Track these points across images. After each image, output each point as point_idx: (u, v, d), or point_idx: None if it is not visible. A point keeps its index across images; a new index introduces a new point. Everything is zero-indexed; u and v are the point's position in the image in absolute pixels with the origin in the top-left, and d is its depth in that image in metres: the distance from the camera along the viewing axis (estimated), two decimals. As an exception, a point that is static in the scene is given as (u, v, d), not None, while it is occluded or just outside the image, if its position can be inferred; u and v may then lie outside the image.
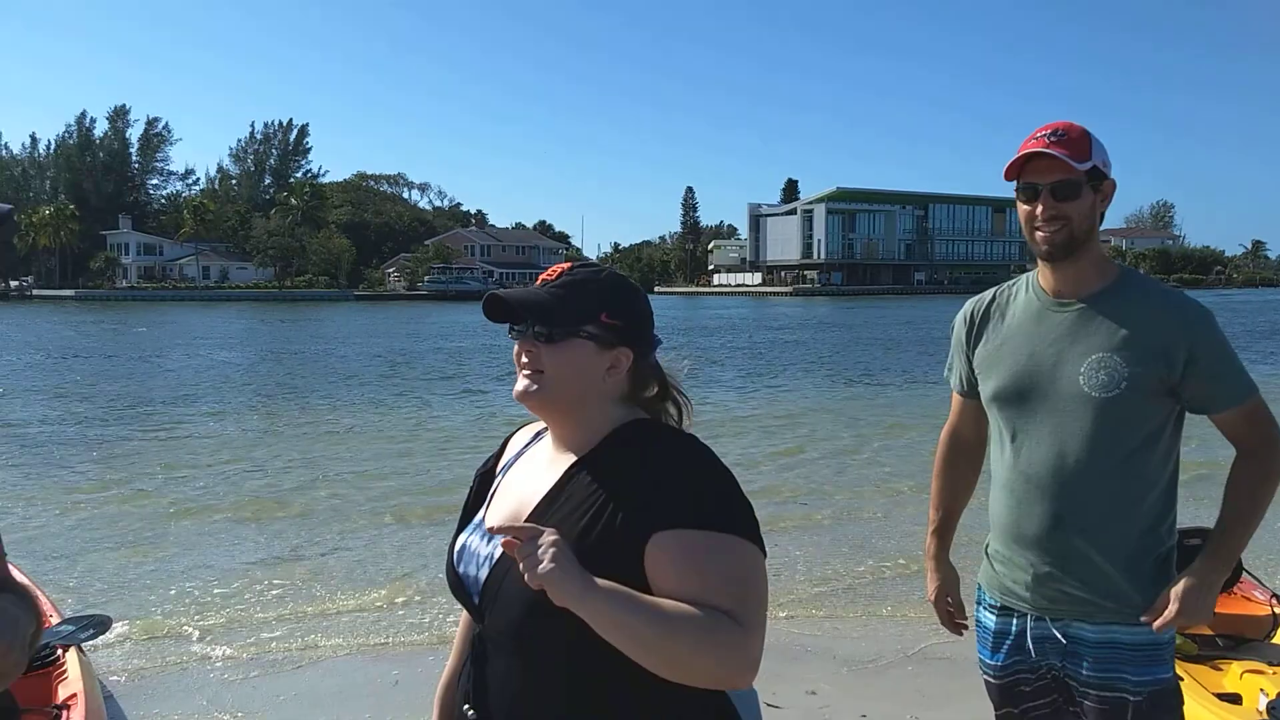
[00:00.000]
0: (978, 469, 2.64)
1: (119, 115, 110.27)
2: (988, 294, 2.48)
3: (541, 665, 1.52)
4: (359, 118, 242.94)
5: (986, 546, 2.44)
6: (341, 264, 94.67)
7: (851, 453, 12.14)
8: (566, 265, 1.66)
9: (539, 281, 1.65)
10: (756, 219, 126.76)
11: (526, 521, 1.54)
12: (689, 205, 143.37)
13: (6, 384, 19.35)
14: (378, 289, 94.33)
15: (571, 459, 1.61)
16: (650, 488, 1.49)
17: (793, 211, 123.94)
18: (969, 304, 2.50)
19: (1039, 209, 2.22)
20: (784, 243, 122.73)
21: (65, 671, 3.81)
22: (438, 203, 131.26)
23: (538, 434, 1.76)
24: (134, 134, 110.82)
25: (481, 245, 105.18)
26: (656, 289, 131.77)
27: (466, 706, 1.61)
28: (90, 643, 4.07)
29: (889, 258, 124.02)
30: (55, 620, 4.18)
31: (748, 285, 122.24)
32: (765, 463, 11.42)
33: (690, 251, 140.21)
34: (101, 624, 4.14)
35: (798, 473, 10.86)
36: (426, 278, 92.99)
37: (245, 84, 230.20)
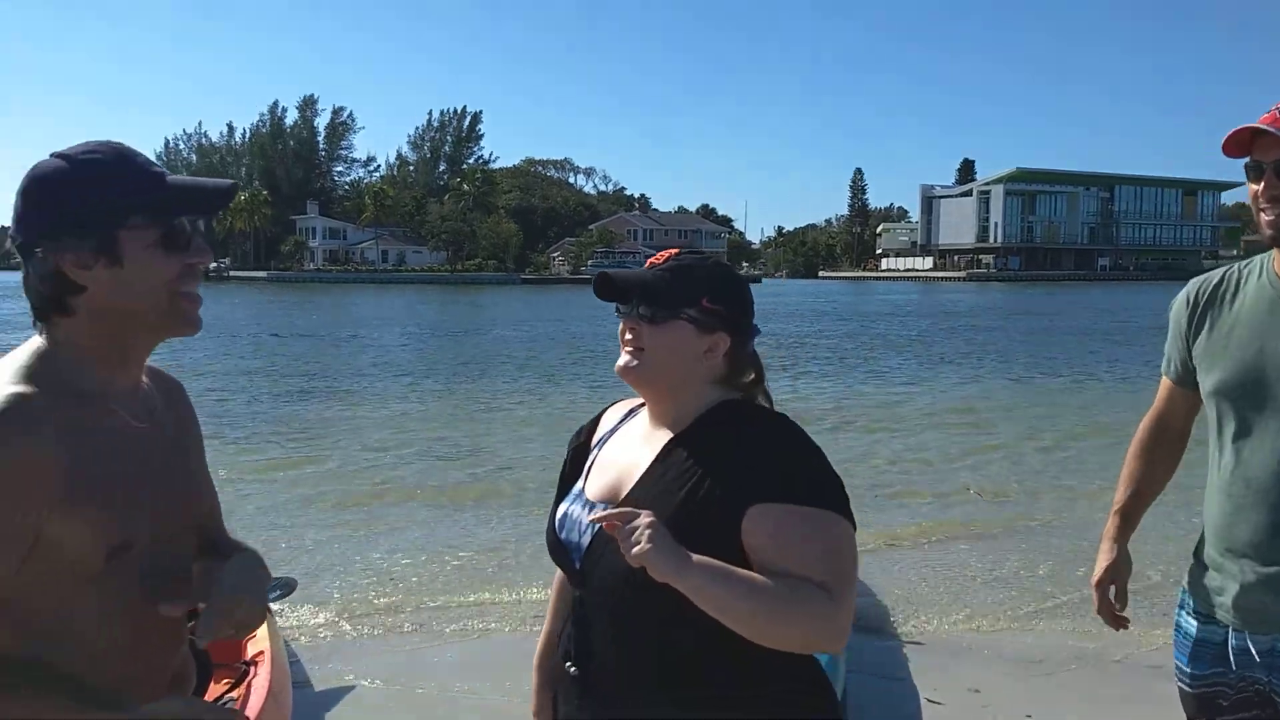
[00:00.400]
0: (1176, 460, 2.45)
1: (308, 105, 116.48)
2: (1215, 275, 2.25)
3: (638, 629, 1.61)
4: (529, 104, 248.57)
5: (1196, 549, 2.27)
6: (509, 248, 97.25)
7: (1045, 451, 11.39)
8: (674, 251, 1.77)
9: (648, 265, 1.75)
10: (929, 201, 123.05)
11: (628, 494, 1.66)
12: (857, 187, 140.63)
13: (214, 361, 20.71)
14: (543, 272, 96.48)
15: (668, 435, 1.70)
16: (746, 463, 1.58)
17: (968, 193, 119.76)
18: (1192, 285, 2.28)
19: (1262, 188, 2.05)
20: (958, 226, 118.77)
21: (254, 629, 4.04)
22: (602, 187, 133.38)
23: (632, 410, 1.86)
24: (321, 123, 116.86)
25: (644, 229, 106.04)
26: (821, 273, 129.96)
27: (569, 664, 1.69)
28: (277, 603, 4.33)
29: (1071, 242, 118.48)
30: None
31: (918, 270, 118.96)
32: (942, 463, 10.84)
33: (858, 235, 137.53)
34: (288, 586, 4.40)
35: (976, 469, 10.44)
36: (590, 261, 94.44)
37: (424, 74, 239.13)
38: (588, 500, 1.73)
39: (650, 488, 1.64)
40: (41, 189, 1.43)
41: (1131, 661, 4.85)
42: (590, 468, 1.81)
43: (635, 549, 1.45)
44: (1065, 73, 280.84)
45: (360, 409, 14.71)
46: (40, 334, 1.46)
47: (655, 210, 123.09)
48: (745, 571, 1.52)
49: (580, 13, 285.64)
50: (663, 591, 1.48)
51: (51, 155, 1.46)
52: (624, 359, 1.71)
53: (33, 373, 1.40)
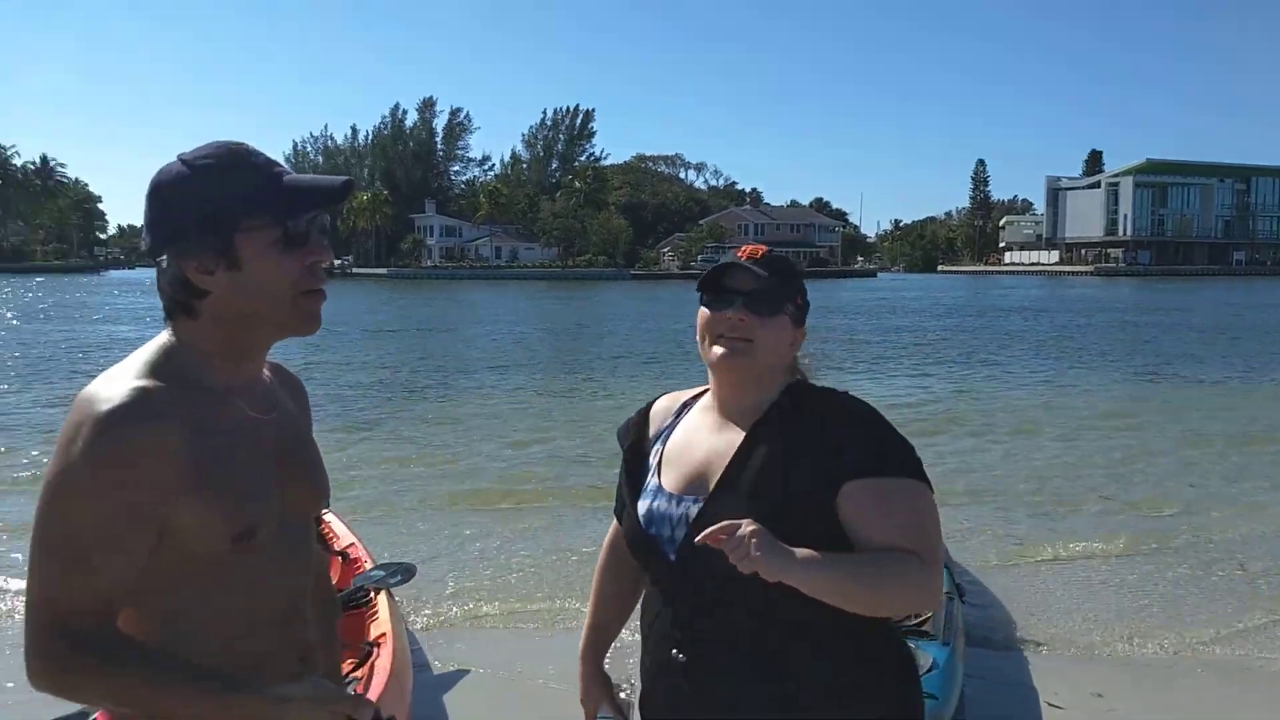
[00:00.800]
0: None
1: (427, 107, 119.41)
2: None
3: (747, 614, 1.68)
4: (641, 102, 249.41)
5: None
6: (619, 244, 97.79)
7: (1189, 456, 10.68)
8: (765, 248, 1.85)
9: (744, 256, 1.82)
10: (1054, 193, 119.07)
11: (719, 484, 1.73)
12: (979, 179, 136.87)
13: (335, 354, 21.40)
14: (652, 268, 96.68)
15: (744, 423, 1.78)
16: (832, 443, 1.69)
17: (1096, 185, 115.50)
18: None
19: None
20: (1085, 219, 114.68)
21: (377, 612, 4.18)
22: (713, 182, 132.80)
23: (686, 404, 1.93)
24: (439, 124, 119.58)
25: (755, 224, 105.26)
26: (940, 268, 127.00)
27: (675, 651, 1.75)
28: (397, 588, 4.46)
29: (1204, 235, 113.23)
30: (369, 566, 4.63)
31: (1042, 264, 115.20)
32: (1077, 466, 10.31)
33: (979, 228, 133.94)
34: (409, 571, 4.54)
35: (1111, 473, 9.96)
36: (699, 257, 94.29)
37: (539, 75, 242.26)
38: (671, 494, 1.79)
39: (741, 476, 1.72)
40: (162, 195, 1.46)
41: (1266, 670, 4.63)
42: (660, 462, 1.86)
43: (745, 560, 1.53)
44: (1197, 60, 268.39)
45: (478, 402, 14.98)
46: (168, 330, 1.50)
47: (767, 205, 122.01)
48: (844, 555, 1.63)
49: (691, 9, 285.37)
50: (776, 588, 1.57)
51: (176, 159, 1.49)
52: (723, 349, 1.76)
53: (158, 368, 1.44)
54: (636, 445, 1.94)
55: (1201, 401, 15.01)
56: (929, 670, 3.53)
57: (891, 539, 1.64)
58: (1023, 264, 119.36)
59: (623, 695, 2.05)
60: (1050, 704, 4.30)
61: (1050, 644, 5.11)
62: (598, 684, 2.03)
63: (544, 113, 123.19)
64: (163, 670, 1.39)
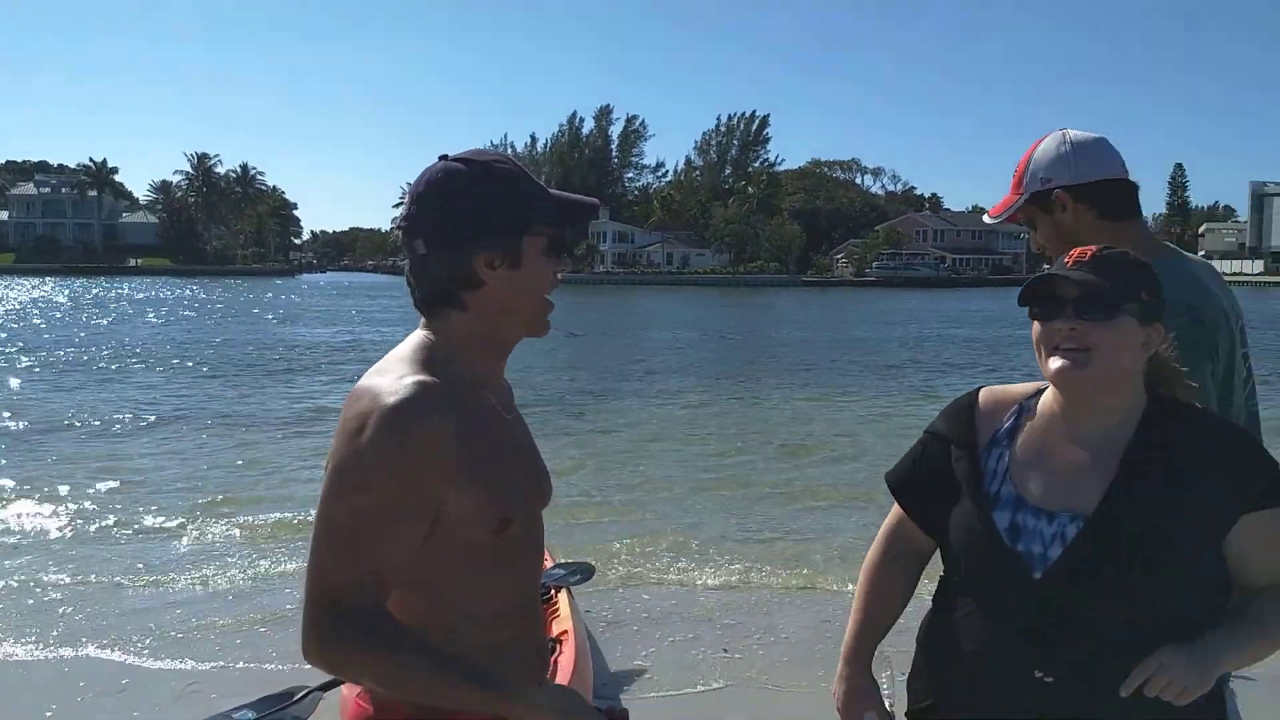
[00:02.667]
0: None
1: (603, 115, 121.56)
2: None
3: (1113, 632, 1.61)
4: (818, 107, 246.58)
5: None
6: (791, 250, 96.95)
7: None
8: (1095, 248, 1.72)
9: (1070, 262, 1.71)
10: (1260, 199, 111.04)
11: (1103, 506, 1.64)
12: (1177, 184, 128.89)
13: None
14: (825, 275, 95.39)
15: (1117, 440, 1.69)
16: (1227, 471, 1.64)
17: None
18: None
19: None
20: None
21: (558, 609, 4.27)
22: (890, 187, 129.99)
23: (1024, 405, 1.80)
24: (615, 131, 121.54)
25: (934, 230, 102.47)
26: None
27: (1039, 673, 1.64)
28: (578, 587, 4.55)
29: None
30: (550, 564, 4.74)
31: (1245, 274, 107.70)
32: None
33: (1176, 235, 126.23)
34: (588, 571, 4.63)
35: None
36: (875, 263, 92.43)
37: (714, 81, 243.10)
38: (1039, 509, 1.70)
39: (1127, 504, 1.64)
40: (459, 190, 1.55)
41: None
42: (1009, 470, 1.75)
43: (1181, 697, 1.54)
44: None
45: (652, 408, 15.14)
46: (424, 326, 1.60)
47: (947, 210, 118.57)
48: (1258, 622, 1.64)
49: (867, 12, 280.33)
50: (1148, 602, 1.60)
51: (450, 159, 1.59)
52: (1062, 362, 1.67)
53: (428, 362, 1.53)
54: (964, 442, 1.82)
55: None
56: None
57: None
58: (1224, 274, 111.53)
59: (889, 706, 1.92)
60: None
61: (1262, 676, 4.74)
62: (866, 690, 1.91)
63: (718, 118, 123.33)
64: (425, 656, 1.46)
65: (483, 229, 1.54)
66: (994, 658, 1.70)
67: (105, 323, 34.79)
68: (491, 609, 1.57)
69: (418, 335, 1.59)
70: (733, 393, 16.95)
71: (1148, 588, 1.60)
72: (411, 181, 1.61)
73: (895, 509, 1.95)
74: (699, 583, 6.39)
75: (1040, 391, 1.82)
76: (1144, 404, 1.72)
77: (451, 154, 1.60)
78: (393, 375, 1.49)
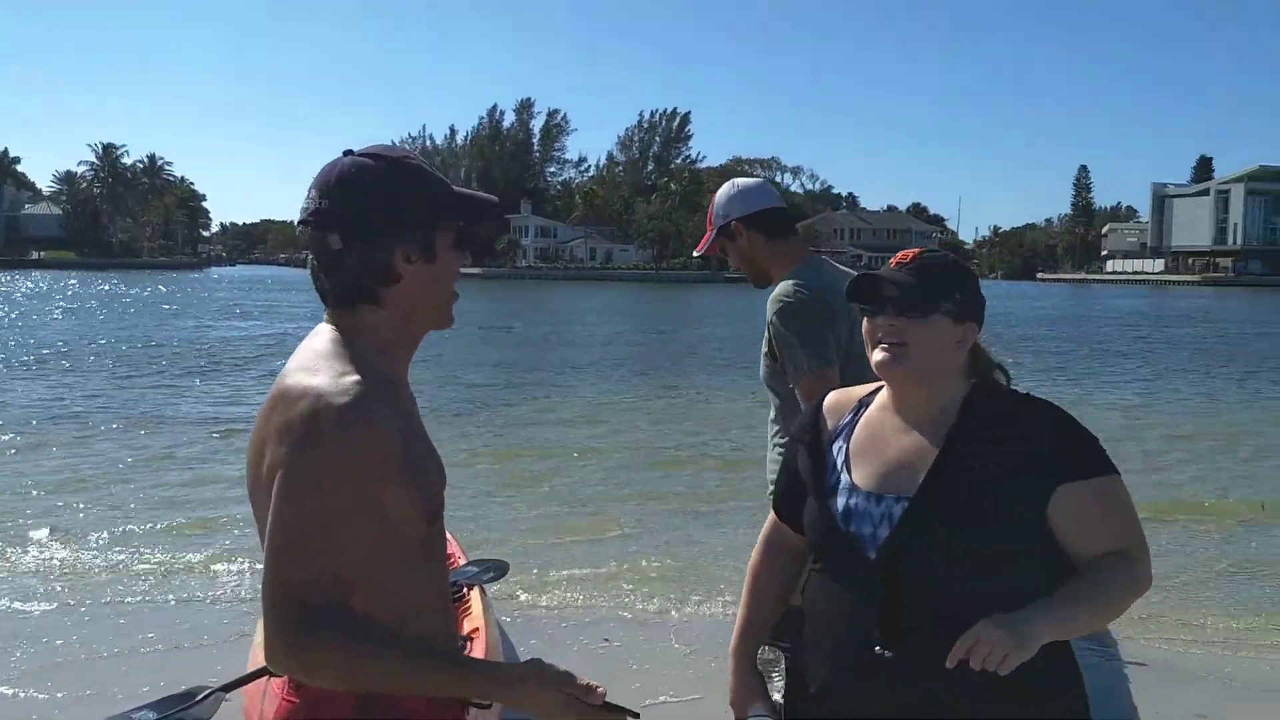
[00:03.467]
0: None
1: (524, 108, 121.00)
2: None
3: (956, 610, 1.67)
4: (737, 105, 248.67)
5: None
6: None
7: None
8: (918, 250, 1.90)
9: (894, 264, 1.86)
10: (1161, 200, 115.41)
11: (924, 487, 1.76)
12: (1082, 185, 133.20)
13: (428, 350, 21.81)
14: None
15: (938, 426, 1.81)
16: (1039, 448, 1.74)
17: (1205, 192, 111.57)
18: None
19: None
20: (1192, 227, 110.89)
21: (470, 607, 4.25)
22: (809, 186, 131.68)
23: (862, 402, 1.95)
24: (536, 125, 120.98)
25: (851, 228, 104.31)
26: (1039, 275, 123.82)
27: (878, 648, 1.74)
28: (491, 585, 4.53)
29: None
30: (462, 561, 4.71)
31: (1146, 273, 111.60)
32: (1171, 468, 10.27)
33: (1080, 236, 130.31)
34: (501, 568, 4.60)
35: (1230, 481, 9.78)
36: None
37: (636, 77, 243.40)
38: (868, 493, 1.82)
39: (946, 482, 1.76)
40: (375, 185, 1.56)
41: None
42: (846, 461, 1.88)
43: (1003, 663, 1.58)
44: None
45: (570, 401, 15.13)
46: (333, 320, 1.60)
47: (863, 209, 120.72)
48: (1072, 593, 1.70)
49: (786, 12, 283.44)
50: (979, 576, 1.70)
51: (358, 154, 1.58)
52: (883, 355, 1.81)
53: (358, 359, 1.53)
54: (813, 442, 1.96)
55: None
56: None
57: (1108, 542, 1.76)
58: (1124, 273, 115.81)
59: (776, 696, 2.01)
60: (1151, 726, 4.18)
61: (1153, 662, 4.96)
62: (753, 683, 2.00)
63: (640, 115, 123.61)
64: (396, 649, 1.48)
65: (400, 223, 1.55)
66: (841, 637, 1.82)
67: (12, 316, 33.53)
68: (428, 602, 1.60)
69: (330, 331, 1.58)
70: (655, 388, 17.01)
71: (973, 561, 1.70)
72: (315, 176, 1.59)
73: (771, 514, 2.09)
74: (616, 581, 6.40)
75: (878, 390, 1.95)
76: (964, 392, 1.84)
77: (357, 149, 1.60)
78: (328, 374, 1.49)
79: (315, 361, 1.53)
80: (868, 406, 1.94)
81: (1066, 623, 1.69)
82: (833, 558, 1.85)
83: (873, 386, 1.97)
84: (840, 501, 1.84)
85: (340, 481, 1.43)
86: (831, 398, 2.01)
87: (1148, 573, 1.80)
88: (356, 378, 1.48)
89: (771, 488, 2.28)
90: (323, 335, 1.58)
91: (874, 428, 1.89)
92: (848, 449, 1.89)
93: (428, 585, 1.60)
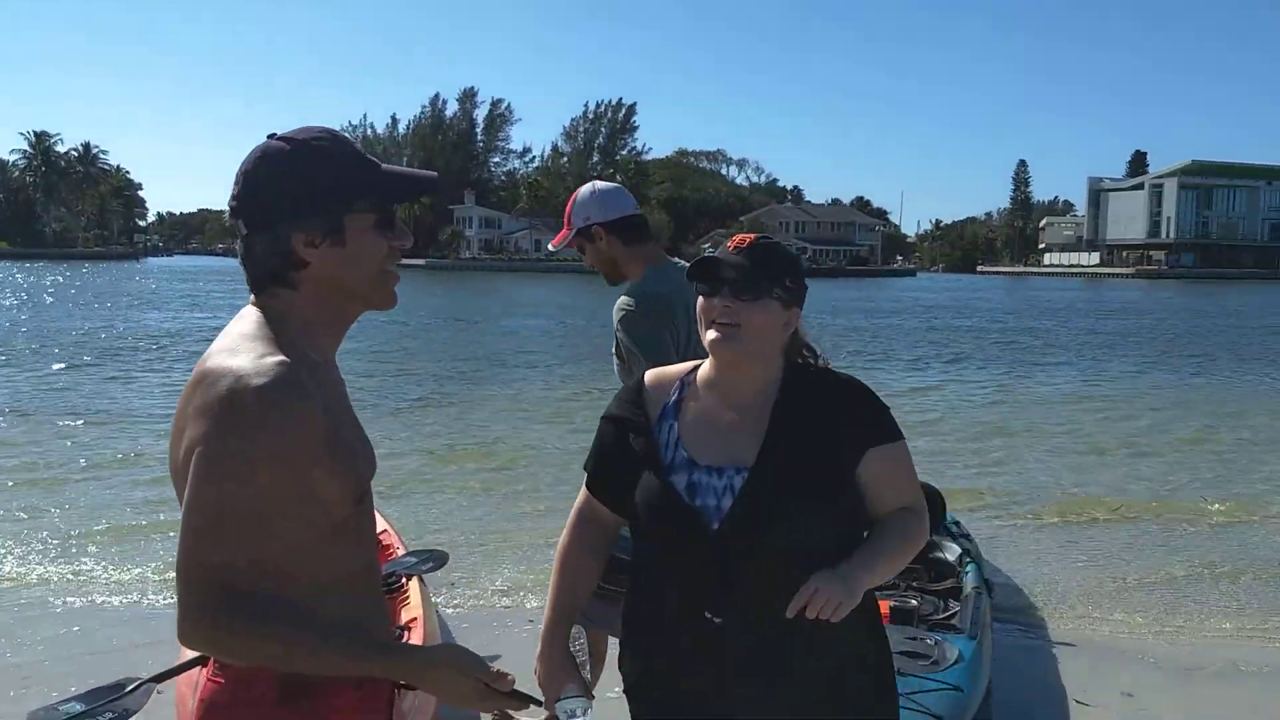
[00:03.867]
0: None
1: (467, 97, 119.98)
2: None
3: (782, 575, 1.80)
4: (683, 97, 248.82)
5: None
6: (660, 239, 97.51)
7: (1222, 453, 10.81)
8: (753, 236, 1.99)
9: (731, 247, 1.95)
10: (1097, 194, 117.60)
11: (760, 459, 1.87)
12: (1021, 180, 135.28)
13: (368, 341, 21.59)
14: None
15: (765, 401, 1.94)
16: (850, 416, 1.92)
17: (1139, 186, 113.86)
18: None
19: None
20: (1127, 220, 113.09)
21: (408, 597, 4.23)
22: (755, 179, 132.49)
23: (684, 381, 2.02)
24: (480, 115, 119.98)
25: (796, 222, 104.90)
26: (980, 268, 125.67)
27: (709, 614, 1.84)
28: (429, 574, 4.52)
29: (1251, 238, 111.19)
30: (401, 552, 4.69)
31: (1083, 265, 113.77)
32: (1107, 456, 10.55)
33: (1019, 229, 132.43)
34: (440, 559, 4.58)
35: (1147, 465, 10.06)
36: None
37: (581, 67, 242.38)
38: (708, 466, 1.90)
39: (778, 450, 1.88)
40: (272, 171, 1.54)
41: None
42: (679, 438, 1.95)
43: (836, 611, 1.73)
44: (1245, 58, 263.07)
45: (510, 391, 15.07)
46: (256, 304, 1.58)
47: (808, 203, 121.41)
48: (879, 545, 1.89)
49: (732, 6, 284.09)
50: (803, 536, 1.83)
51: (273, 138, 1.57)
52: (716, 334, 1.90)
53: (279, 339, 1.52)
54: (636, 422, 2.01)
55: (1259, 403, 14.80)
56: (955, 663, 3.53)
57: (902, 499, 1.95)
58: (1062, 265, 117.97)
59: (586, 675, 2.06)
60: (1078, 701, 4.29)
61: (1080, 642, 5.08)
62: (565, 663, 2.01)
63: (586, 105, 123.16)
64: (310, 629, 1.48)
65: (299, 208, 1.52)
66: (672, 608, 1.90)
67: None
68: (356, 581, 1.59)
69: (253, 313, 1.57)
70: (593, 377, 17.02)
71: (805, 522, 1.84)
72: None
73: (582, 493, 2.11)
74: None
75: (696, 368, 2.04)
76: (783, 370, 1.97)
77: (280, 132, 1.58)
78: (249, 355, 1.47)
79: (237, 343, 1.51)
80: (690, 386, 2.00)
81: (880, 571, 1.88)
82: (669, 532, 1.90)
83: (689, 366, 2.06)
84: (682, 478, 1.90)
85: (259, 462, 1.42)
86: (650, 378, 2.06)
87: (926, 526, 1.98)
88: (278, 358, 1.46)
89: None
90: (247, 318, 1.57)
91: (703, 405, 1.97)
92: (678, 426, 1.96)
93: (355, 566, 1.59)
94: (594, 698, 2.00)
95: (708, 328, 1.91)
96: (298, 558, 1.51)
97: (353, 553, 1.59)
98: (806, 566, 1.78)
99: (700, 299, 1.94)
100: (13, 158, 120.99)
